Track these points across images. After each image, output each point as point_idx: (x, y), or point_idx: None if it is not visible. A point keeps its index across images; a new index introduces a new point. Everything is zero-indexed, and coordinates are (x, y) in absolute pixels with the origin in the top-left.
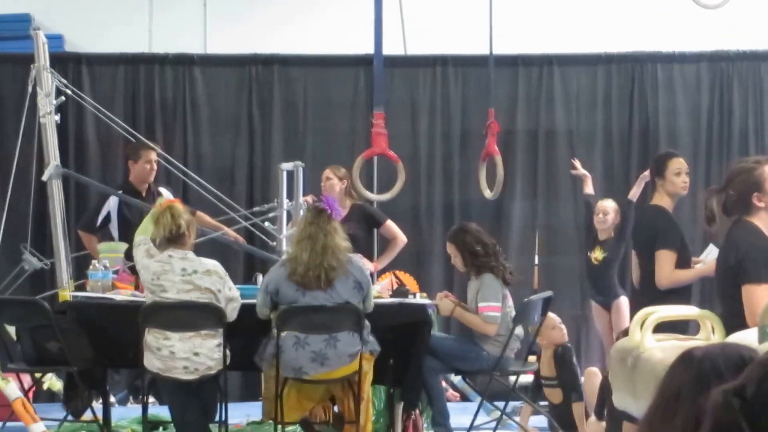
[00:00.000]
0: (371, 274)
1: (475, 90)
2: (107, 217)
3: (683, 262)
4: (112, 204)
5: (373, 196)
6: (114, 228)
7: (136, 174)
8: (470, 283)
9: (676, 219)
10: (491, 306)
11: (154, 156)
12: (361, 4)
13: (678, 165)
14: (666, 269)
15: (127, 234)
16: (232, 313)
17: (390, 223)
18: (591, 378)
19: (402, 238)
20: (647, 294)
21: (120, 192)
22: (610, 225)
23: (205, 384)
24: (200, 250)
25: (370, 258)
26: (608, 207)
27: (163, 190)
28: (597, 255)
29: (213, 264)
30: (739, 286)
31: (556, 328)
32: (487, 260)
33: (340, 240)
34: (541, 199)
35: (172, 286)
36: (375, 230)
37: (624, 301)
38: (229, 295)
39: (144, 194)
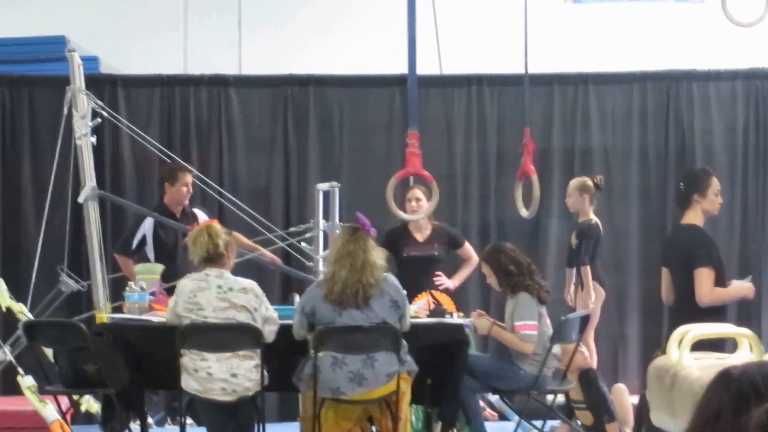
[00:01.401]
0: (449, 291)
1: (510, 109)
2: (143, 240)
3: (720, 281)
4: (147, 227)
5: (407, 216)
6: (150, 250)
7: (171, 196)
8: (507, 302)
9: (712, 236)
10: (527, 324)
11: (190, 178)
12: (396, 24)
13: (718, 185)
14: (706, 287)
15: (163, 256)
16: (269, 335)
17: (468, 245)
18: (619, 394)
19: (476, 259)
20: (683, 312)
21: (155, 213)
22: (575, 204)
23: (243, 405)
24: (237, 270)
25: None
26: (570, 188)
27: (198, 211)
28: (573, 240)
29: (249, 283)
30: None
31: (578, 351)
32: (521, 279)
33: (376, 257)
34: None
35: (208, 303)
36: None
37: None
38: (266, 315)
39: (179, 216)
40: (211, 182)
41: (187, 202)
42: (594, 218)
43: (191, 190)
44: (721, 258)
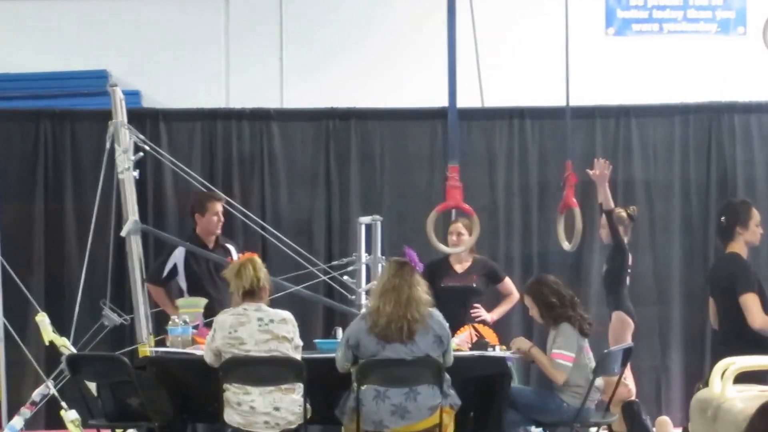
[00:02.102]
0: (486, 323)
1: (552, 142)
2: (174, 270)
3: (763, 307)
4: (178, 256)
5: (448, 249)
6: (182, 280)
7: (203, 227)
8: (549, 333)
9: (752, 264)
10: (563, 354)
11: (220, 207)
12: (437, 57)
13: (758, 216)
14: (756, 311)
15: (195, 287)
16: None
17: (508, 280)
18: (662, 427)
19: (516, 295)
20: (727, 343)
21: (188, 243)
22: (605, 233)
23: None
24: (279, 304)
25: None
26: (604, 220)
27: (230, 246)
28: (604, 267)
29: (286, 313)
30: None
31: (622, 384)
32: (563, 311)
33: (422, 293)
34: None
35: (249, 337)
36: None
37: (614, 317)
38: (297, 344)
39: (211, 247)
40: (253, 216)
41: (219, 231)
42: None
43: (222, 219)
44: (761, 285)
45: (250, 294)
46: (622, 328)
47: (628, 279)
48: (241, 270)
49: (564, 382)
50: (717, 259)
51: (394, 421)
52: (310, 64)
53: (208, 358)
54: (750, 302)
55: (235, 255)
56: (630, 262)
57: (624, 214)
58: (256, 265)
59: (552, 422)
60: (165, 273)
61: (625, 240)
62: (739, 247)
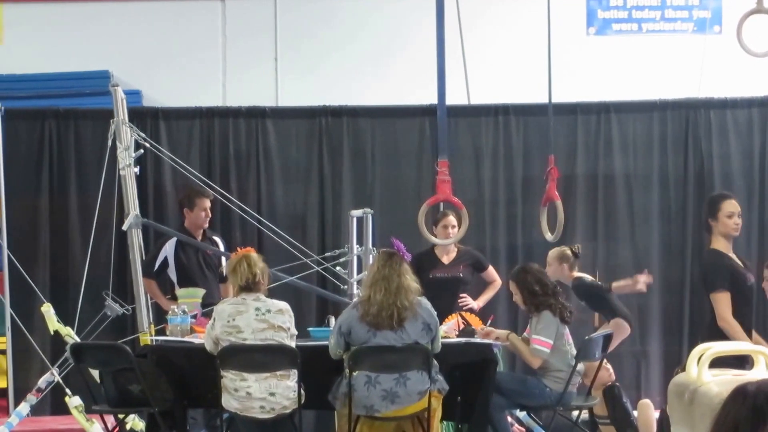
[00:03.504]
0: (473, 311)
1: (535, 137)
2: (164, 262)
3: (740, 300)
4: (168, 249)
5: (437, 241)
6: (172, 273)
7: (191, 221)
8: (531, 319)
9: (729, 258)
10: (542, 341)
11: (207, 203)
12: (425, 56)
13: (731, 207)
14: (724, 310)
15: (184, 279)
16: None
17: (492, 269)
18: (644, 410)
19: (499, 282)
20: (706, 330)
21: (181, 234)
22: (555, 272)
23: (281, 422)
24: (274, 293)
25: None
26: (549, 258)
27: (217, 239)
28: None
29: (283, 304)
30: None
31: (603, 368)
32: (545, 299)
33: (411, 281)
34: (600, 241)
35: (247, 326)
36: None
37: (613, 323)
38: (293, 333)
39: (199, 239)
40: (249, 209)
41: (206, 225)
42: (582, 276)
43: (210, 215)
44: (737, 277)
45: (246, 289)
46: (619, 333)
47: (610, 285)
48: (237, 267)
49: (544, 367)
50: (701, 254)
51: (384, 406)
52: (304, 63)
53: (209, 346)
54: (718, 301)
55: (221, 247)
56: (597, 279)
57: (568, 252)
58: (251, 261)
59: (536, 406)
60: (156, 266)
61: (574, 274)
62: (717, 240)
